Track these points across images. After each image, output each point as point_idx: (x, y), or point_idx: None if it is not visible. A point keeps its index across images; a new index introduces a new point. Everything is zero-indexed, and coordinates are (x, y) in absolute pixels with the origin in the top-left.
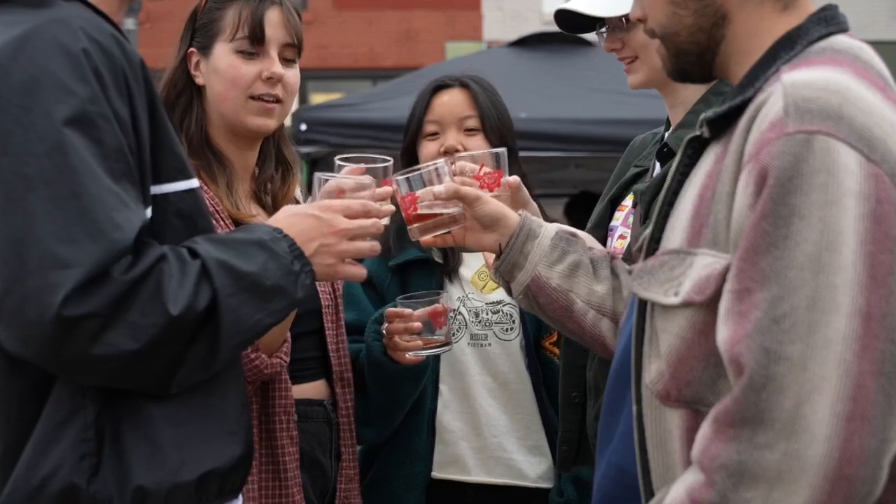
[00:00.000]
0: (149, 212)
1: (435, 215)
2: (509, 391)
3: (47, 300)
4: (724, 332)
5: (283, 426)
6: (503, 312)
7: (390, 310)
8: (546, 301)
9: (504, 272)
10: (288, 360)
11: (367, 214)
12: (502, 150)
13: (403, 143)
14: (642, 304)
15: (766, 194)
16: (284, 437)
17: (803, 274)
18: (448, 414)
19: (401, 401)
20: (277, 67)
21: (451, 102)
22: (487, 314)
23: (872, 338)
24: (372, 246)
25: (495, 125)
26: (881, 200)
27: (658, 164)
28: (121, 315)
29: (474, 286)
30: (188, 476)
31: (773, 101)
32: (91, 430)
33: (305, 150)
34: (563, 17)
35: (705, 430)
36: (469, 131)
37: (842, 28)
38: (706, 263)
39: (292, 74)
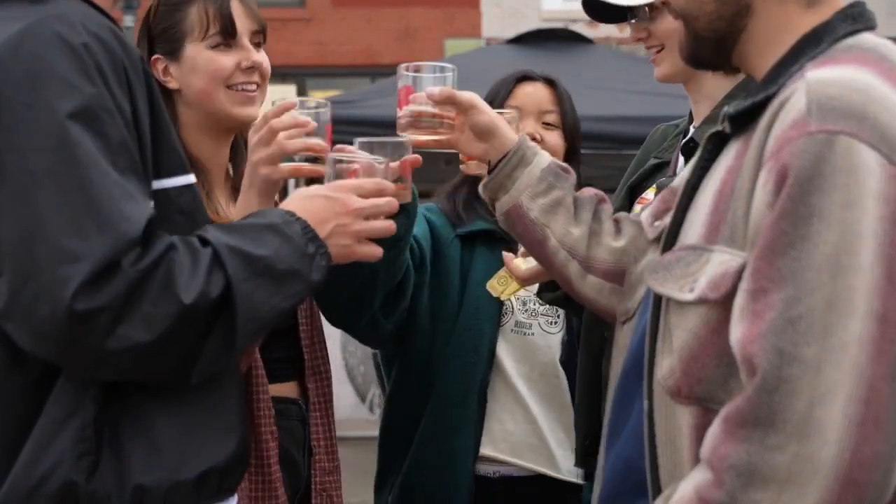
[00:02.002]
0: (151, 206)
1: (421, 112)
2: (545, 383)
3: (59, 295)
4: (737, 332)
5: (265, 422)
6: (550, 305)
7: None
8: (522, 230)
9: (490, 191)
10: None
11: (380, 193)
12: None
13: None
14: (657, 299)
15: (786, 193)
16: (266, 433)
17: (821, 276)
18: (493, 400)
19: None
20: (255, 55)
21: (535, 94)
22: (535, 304)
23: (888, 342)
24: (388, 225)
25: (571, 126)
26: None
27: (682, 159)
28: (133, 307)
29: (492, 289)
30: (188, 474)
31: (796, 98)
32: (90, 429)
33: None
34: (591, 6)
35: (716, 429)
36: (547, 125)
37: (869, 25)
38: (722, 261)
39: (264, 59)
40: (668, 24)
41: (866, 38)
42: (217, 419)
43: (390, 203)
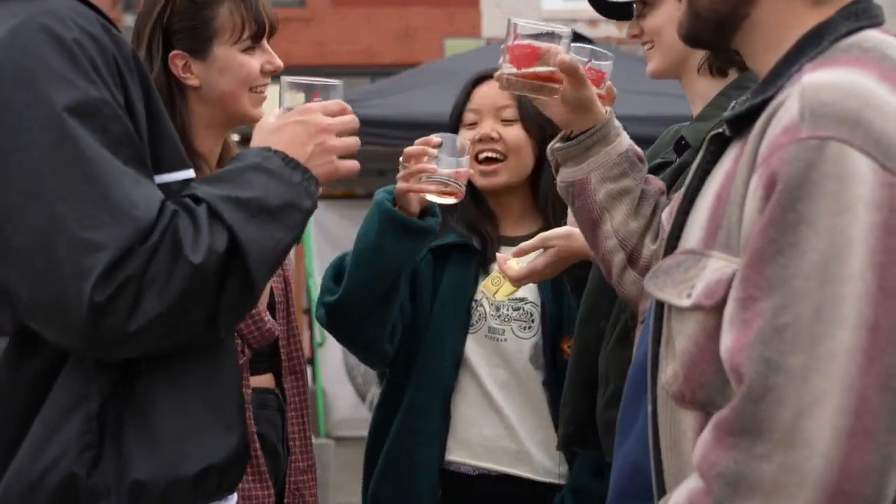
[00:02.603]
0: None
1: (539, 76)
2: (521, 386)
3: (82, 286)
4: (727, 340)
5: (249, 412)
6: (524, 310)
7: (419, 141)
8: (581, 205)
9: (560, 157)
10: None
11: (343, 111)
12: (609, 54)
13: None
14: (660, 304)
15: (775, 200)
16: (251, 425)
17: (809, 283)
18: (463, 401)
19: (394, 262)
20: (277, 59)
21: (490, 93)
22: (508, 310)
23: (879, 351)
24: (356, 141)
25: (534, 116)
26: (895, 210)
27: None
28: (149, 284)
29: (486, 290)
30: (187, 471)
31: (789, 103)
32: (94, 422)
33: None
34: (598, 3)
35: (706, 436)
36: (506, 121)
37: (875, 22)
38: (718, 267)
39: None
40: (658, 20)
41: (868, 36)
42: (217, 417)
43: (354, 120)
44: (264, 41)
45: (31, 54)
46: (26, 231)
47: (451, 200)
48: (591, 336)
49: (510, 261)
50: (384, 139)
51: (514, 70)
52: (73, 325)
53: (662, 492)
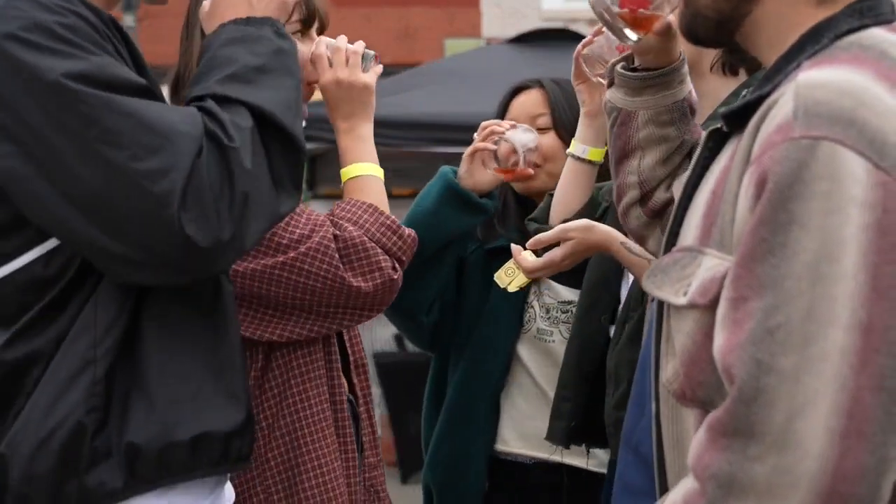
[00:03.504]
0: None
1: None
2: None
3: (166, 214)
4: (718, 341)
5: (345, 413)
6: (572, 313)
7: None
8: (620, 133)
9: (617, 77)
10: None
11: None
12: None
13: None
14: (661, 303)
15: (766, 199)
16: (348, 423)
17: (800, 284)
18: (519, 394)
19: (452, 231)
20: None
21: (526, 102)
22: (557, 312)
23: (872, 352)
24: None
25: (568, 122)
26: (888, 210)
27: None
28: (219, 187)
29: (499, 280)
30: (182, 436)
31: (784, 101)
32: (100, 385)
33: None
34: None
35: (700, 436)
36: (540, 129)
37: (881, 20)
38: (712, 265)
39: None
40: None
41: (870, 34)
42: (219, 385)
43: None
44: (313, 32)
45: (16, 39)
46: (91, 191)
47: (519, 166)
48: (591, 330)
49: (524, 252)
50: (384, 139)
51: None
52: (173, 254)
53: (665, 489)
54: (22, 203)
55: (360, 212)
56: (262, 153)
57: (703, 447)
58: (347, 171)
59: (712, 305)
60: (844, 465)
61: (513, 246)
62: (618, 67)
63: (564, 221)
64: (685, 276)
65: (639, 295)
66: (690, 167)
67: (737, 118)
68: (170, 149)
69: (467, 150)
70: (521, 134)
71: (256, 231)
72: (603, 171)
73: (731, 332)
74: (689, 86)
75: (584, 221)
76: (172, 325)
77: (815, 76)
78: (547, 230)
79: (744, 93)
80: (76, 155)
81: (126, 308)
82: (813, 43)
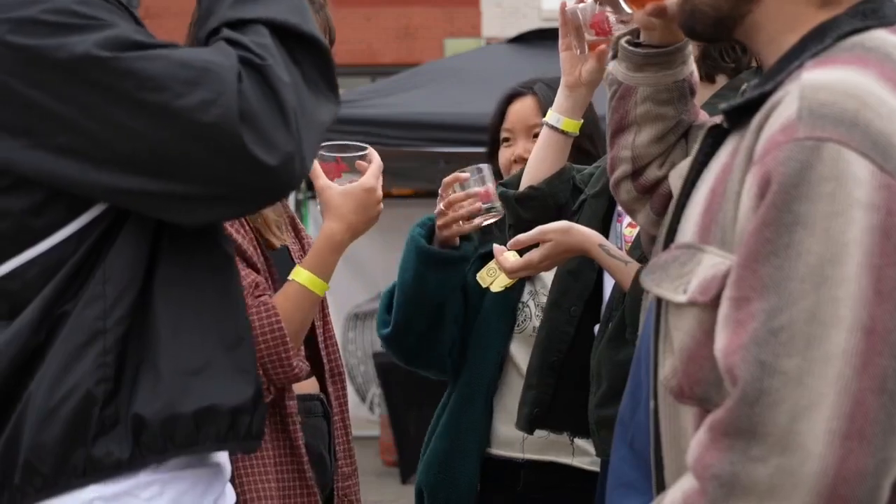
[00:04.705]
0: None
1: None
2: None
3: (228, 138)
4: (720, 341)
5: (295, 425)
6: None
7: (447, 178)
8: (618, 107)
9: (621, 51)
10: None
11: None
12: None
13: (487, 149)
14: (658, 299)
15: (770, 200)
16: (298, 436)
17: (804, 286)
18: (509, 394)
19: (434, 291)
20: None
21: (522, 111)
22: None
23: (875, 354)
24: None
25: None
26: (892, 212)
27: None
28: (268, 111)
29: (481, 280)
30: (186, 408)
31: (788, 101)
32: (110, 355)
33: None
34: None
35: (701, 436)
36: (537, 138)
37: (884, 22)
38: (713, 263)
39: None
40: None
41: (874, 35)
42: (227, 359)
43: None
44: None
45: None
46: (149, 146)
47: (493, 220)
48: (561, 320)
49: (506, 252)
50: (384, 139)
51: None
52: (246, 180)
53: (662, 487)
54: (81, 191)
55: (266, 327)
56: (292, 63)
57: (704, 447)
58: (296, 272)
59: (713, 303)
60: (846, 467)
61: (495, 246)
62: (622, 41)
63: (532, 188)
64: (684, 273)
65: (620, 294)
66: (689, 163)
67: (739, 114)
68: (211, 79)
69: (437, 208)
70: (586, 3)
71: (310, 143)
72: (580, 155)
73: (734, 332)
74: (692, 67)
75: (563, 223)
76: (184, 297)
77: (819, 77)
78: (512, 194)
79: (743, 87)
80: (124, 113)
81: (137, 279)
82: (816, 42)
